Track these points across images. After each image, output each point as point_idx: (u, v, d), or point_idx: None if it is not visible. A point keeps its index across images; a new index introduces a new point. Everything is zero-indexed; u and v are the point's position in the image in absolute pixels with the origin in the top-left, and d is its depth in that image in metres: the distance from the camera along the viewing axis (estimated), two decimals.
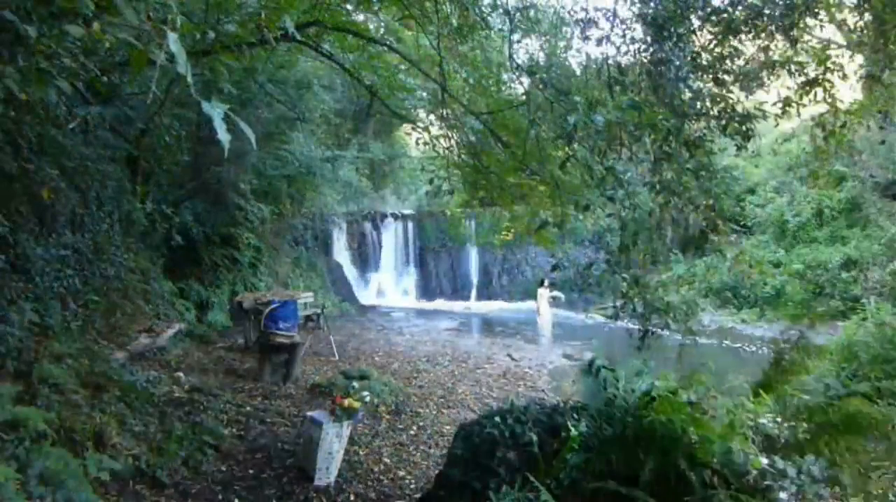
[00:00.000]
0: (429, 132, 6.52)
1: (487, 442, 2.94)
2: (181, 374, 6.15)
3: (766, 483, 2.29)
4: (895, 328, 5.43)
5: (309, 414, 4.54)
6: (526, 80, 4.35)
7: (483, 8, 6.09)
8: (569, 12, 8.52)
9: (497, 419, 3.04)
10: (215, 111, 1.09)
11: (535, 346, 11.11)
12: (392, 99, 7.05)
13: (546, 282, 13.01)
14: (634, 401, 2.80)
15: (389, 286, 18.96)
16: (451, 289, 19.52)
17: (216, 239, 10.69)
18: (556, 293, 12.83)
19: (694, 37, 4.27)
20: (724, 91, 4.34)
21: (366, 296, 17.89)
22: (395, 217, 19.70)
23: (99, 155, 6.24)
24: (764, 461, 2.39)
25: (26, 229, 4.94)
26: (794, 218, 15.43)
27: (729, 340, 11.86)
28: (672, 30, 3.69)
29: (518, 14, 6.68)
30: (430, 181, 6.91)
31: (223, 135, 1.09)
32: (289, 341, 6.83)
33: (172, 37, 1.09)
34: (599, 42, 4.37)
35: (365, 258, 19.07)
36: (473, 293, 19.48)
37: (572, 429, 2.72)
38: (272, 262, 13.08)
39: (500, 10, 6.24)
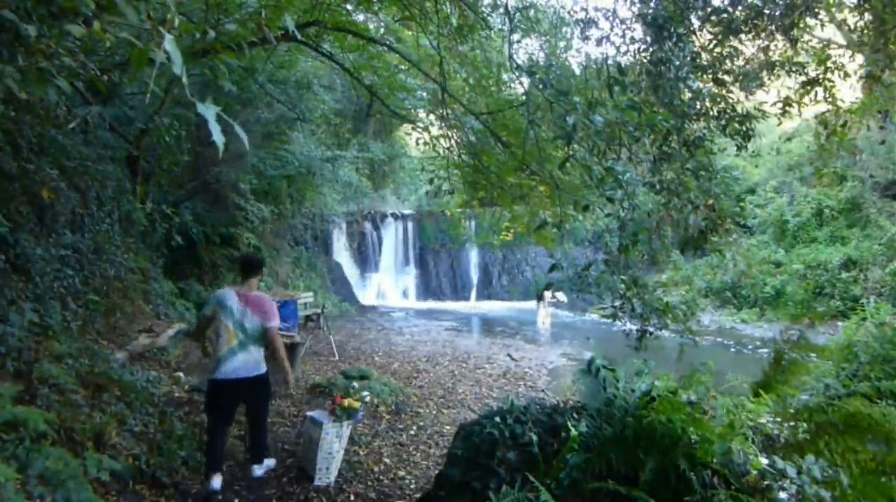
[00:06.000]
0: (429, 132, 6.53)
1: (487, 442, 2.94)
2: (181, 374, 6.15)
3: (766, 483, 2.29)
4: (895, 328, 5.44)
5: (309, 414, 4.54)
6: (526, 80, 4.34)
7: (483, 8, 6.09)
8: (569, 12, 8.56)
9: (497, 419, 3.03)
10: (209, 112, 1.09)
11: (535, 346, 11.11)
12: (392, 99, 7.05)
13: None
14: (634, 401, 2.79)
15: (389, 286, 18.97)
16: (451, 289, 19.53)
17: (216, 239, 10.71)
18: (552, 293, 12.82)
19: (694, 37, 4.27)
20: (724, 91, 4.35)
21: (366, 296, 17.90)
22: (395, 217, 19.73)
23: (99, 155, 6.24)
24: (764, 461, 2.39)
25: (26, 229, 4.93)
26: (794, 218, 15.44)
27: (729, 340, 11.87)
28: (672, 30, 3.69)
29: (518, 14, 6.69)
30: (430, 181, 6.92)
31: (218, 137, 1.10)
32: (289, 341, 6.82)
33: (168, 37, 1.09)
34: (599, 42, 4.38)
35: (365, 258, 19.09)
36: (473, 293, 19.50)
37: (572, 429, 2.71)
38: (272, 262, 13.09)
39: (501, 10, 6.25)
